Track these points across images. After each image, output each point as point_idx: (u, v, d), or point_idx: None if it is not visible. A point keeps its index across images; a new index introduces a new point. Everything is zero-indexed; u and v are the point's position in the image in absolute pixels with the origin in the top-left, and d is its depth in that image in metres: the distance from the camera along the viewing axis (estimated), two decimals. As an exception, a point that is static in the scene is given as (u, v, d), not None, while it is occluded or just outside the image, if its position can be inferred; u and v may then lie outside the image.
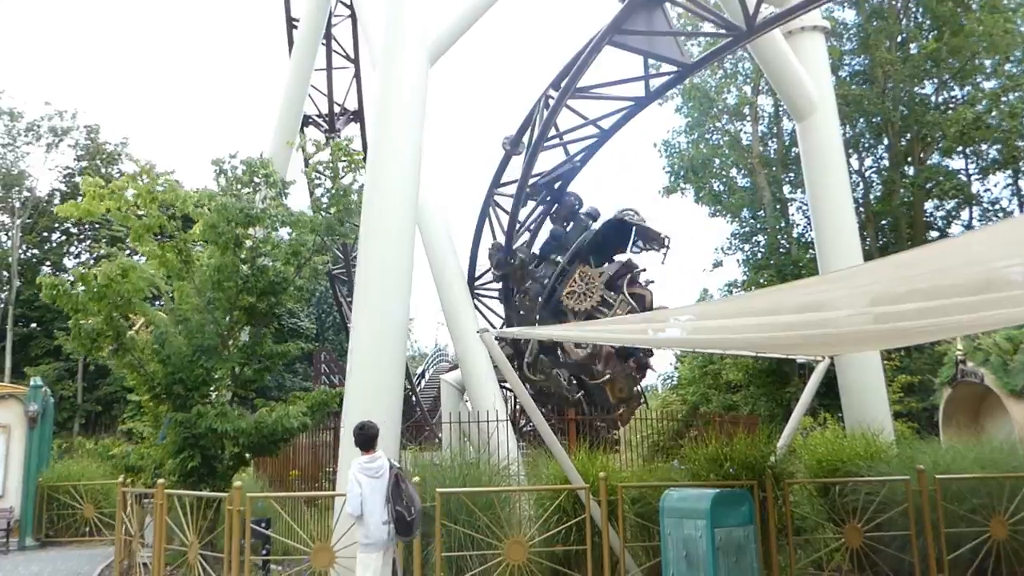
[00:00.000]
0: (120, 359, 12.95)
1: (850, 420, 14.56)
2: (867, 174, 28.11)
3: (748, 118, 29.23)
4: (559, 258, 17.18)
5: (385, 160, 11.57)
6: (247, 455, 13.52)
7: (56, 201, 35.88)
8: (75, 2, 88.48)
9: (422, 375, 49.02)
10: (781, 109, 29.11)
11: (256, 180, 12.65)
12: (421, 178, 12.66)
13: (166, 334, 13.08)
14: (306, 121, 21.91)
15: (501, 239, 17.76)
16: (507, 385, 15.81)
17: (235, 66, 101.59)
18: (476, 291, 19.09)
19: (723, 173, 28.94)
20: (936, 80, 27.10)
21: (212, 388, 13.44)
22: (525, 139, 16.62)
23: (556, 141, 16.13)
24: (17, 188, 37.28)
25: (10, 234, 37.12)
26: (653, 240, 16.30)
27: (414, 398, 35.29)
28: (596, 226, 17.22)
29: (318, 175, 13.83)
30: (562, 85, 14.33)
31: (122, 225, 13.30)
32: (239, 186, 12.71)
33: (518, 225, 17.85)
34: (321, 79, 22.86)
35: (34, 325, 35.71)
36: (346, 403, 10.96)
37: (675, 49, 13.30)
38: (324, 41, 22.24)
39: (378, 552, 7.97)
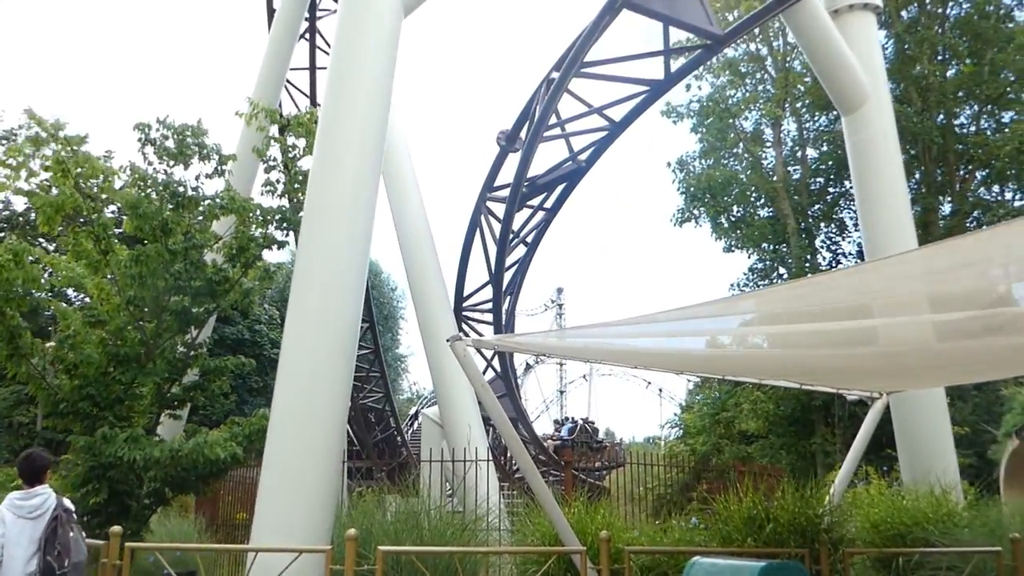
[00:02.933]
0: (16, 367, 10.55)
1: (909, 474, 11.99)
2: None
3: (770, 142, 27.02)
4: None
5: (340, 120, 9.26)
6: (167, 492, 11.03)
7: (33, 217, 33.49)
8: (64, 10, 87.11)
9: (415, 416, 46.59)
10: (806, 132, 26.95)
11: (188, 152, 10.30)
12: (398, 153, 10.33)
13: (75, 338, 10.70)
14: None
15: (493, 251, 15.42)
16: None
17: (221, 65, 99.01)
18: (464, 312, 16.69)
19: (744, 200, 26.57)
20: (975, 106, 24.93)
21: (130, 406, 11.02)
22: (524, 134, 14.36)
23: (558, 131, 13.85)
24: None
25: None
26: None
27: (399, 439, 32.72)
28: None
29: (273, 158, 11.47)
30: (567, 60, 12.06)
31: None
32: (168, 160, 10.37)
33: (512, 236, 15.52)
34: (304, 79, 20.70)
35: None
36: (270, 433, 8.50)
37: (702, 16, 11.06)
38: (308, 37, 20.13)
39: None
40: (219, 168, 10.56)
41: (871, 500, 10.82)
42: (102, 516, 10.47)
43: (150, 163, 10.36)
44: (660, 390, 63.72)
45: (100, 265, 10.87)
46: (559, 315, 67.24)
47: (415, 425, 44.06)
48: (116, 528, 7.50)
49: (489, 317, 16.48)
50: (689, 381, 60.28)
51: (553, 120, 13.64)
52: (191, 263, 10.74)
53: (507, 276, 16.10)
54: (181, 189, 10.16)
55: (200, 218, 10.68)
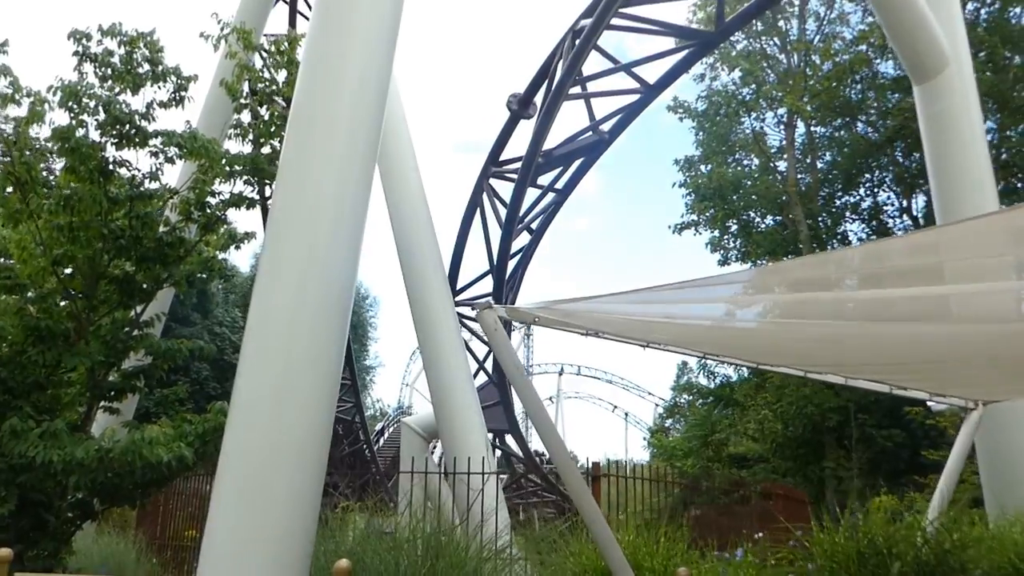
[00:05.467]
0: (-93, 341, 8.30)
1: (996, 502, 10.12)
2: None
3: (775, 147, 25.35)
4: None
5: (335, 33, 7.22)
6: (96, 503, 8.79)
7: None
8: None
9: (381, 432, 44.48)
10: (816, 135, 25.39)
11: (138, 72, 8.14)
12: (391, 106, 8.26)
13: (-16, 306, 8.51)
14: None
15: (495, 236, 13.39)
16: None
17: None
18: (459, 307, 14.61)
19: (753, 204, 24.78)
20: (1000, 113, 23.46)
21: (54, 396, 8.82)
22: (539, 99, 12.40)
23: (579, 98, 11.90)
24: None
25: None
26: None
27: (368, 453, 30.43)
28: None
29: (246, 92, 9.35)
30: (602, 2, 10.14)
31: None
32: (113, 83, 8.21)
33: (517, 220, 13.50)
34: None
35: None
36: (229, 426, 6.34)
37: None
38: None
39: None
40: (177, 95, 8.39)
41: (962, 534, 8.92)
42: (11, 532, 8.25)
43: (90, 86, 8.18)
44: (627, 414, 62.09)
45: (22, 216, 8.65)
46: (527, 335, 64.89)
47: (380, 441, 41.82)
48: (2, 552, 5.32)
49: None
50: (657, 406, 58.94)
51: (574, 86, 11.70)
52: (137, 217, 8.56)
53: (508, 266, 14.08)
54: (123, 115, 7.95)
55: (152, 160, 8.50)
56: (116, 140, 8.14)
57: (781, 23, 24.69)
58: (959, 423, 18.23)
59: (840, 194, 25.61)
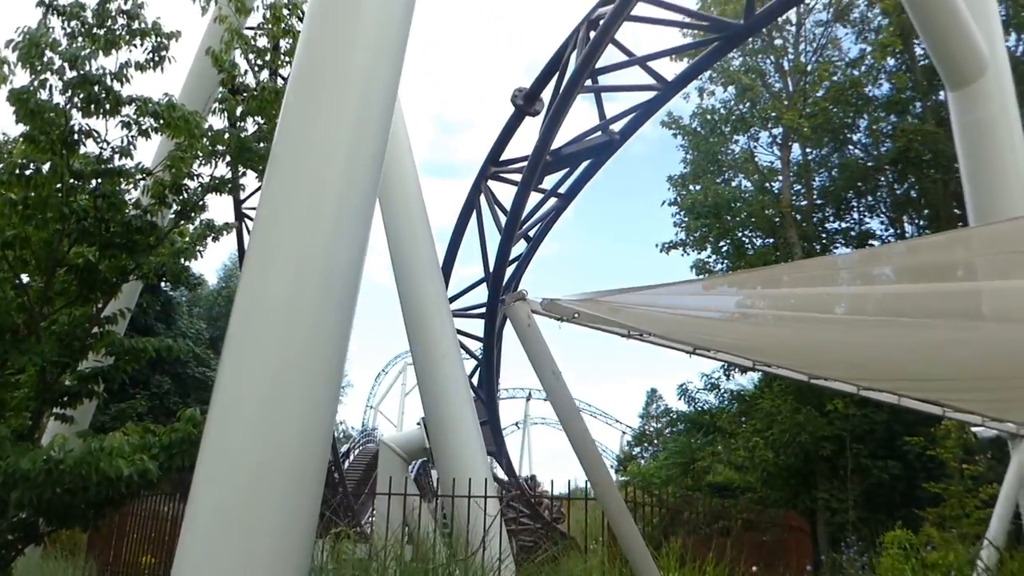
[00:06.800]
0: None
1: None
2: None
3: (767, 167, 24.78)
4: None
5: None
6: (41, 524, 7.63)
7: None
8: None
9: (346, 454, 43.24)
10: (810, 156, 24.89)
11: (112, 27, 7.13)
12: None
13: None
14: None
15: (491, 242, 12.47)
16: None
17: None
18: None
19: (746, 224, 24.15)
20: None
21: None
22: (546, 95, 11.55)
23: (590, 96, 11.07)
24: None
25: None
26: None
27: (336, 475, 29.03)
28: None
29: (233, 63, 8.35)
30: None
31: None
32: (85, 41, 7.17)
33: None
34: None
35: None
36: (206, 438, 5.29)
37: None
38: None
39: None
40: (156, 55, 7.37)
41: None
42: (-57, 556, 7.12)
43: (56, 42, 7.14)
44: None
45: (-31, 192, 7.55)
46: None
47: (345, 464, 40.57)
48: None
49: (478, 326, 13.49)
50: (624, 433, 58.14)
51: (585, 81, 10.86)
52: (103, 197, 7.52)
53: (505, 275, 13.16)
54: (96, 72, 6.92)
55: (124, 132, 7.46)
56: (83, 105, 7.09)
57: (778, 41, 24.26)
58: (960, 456, 17.54)
59: (832, 219, 25.15)
